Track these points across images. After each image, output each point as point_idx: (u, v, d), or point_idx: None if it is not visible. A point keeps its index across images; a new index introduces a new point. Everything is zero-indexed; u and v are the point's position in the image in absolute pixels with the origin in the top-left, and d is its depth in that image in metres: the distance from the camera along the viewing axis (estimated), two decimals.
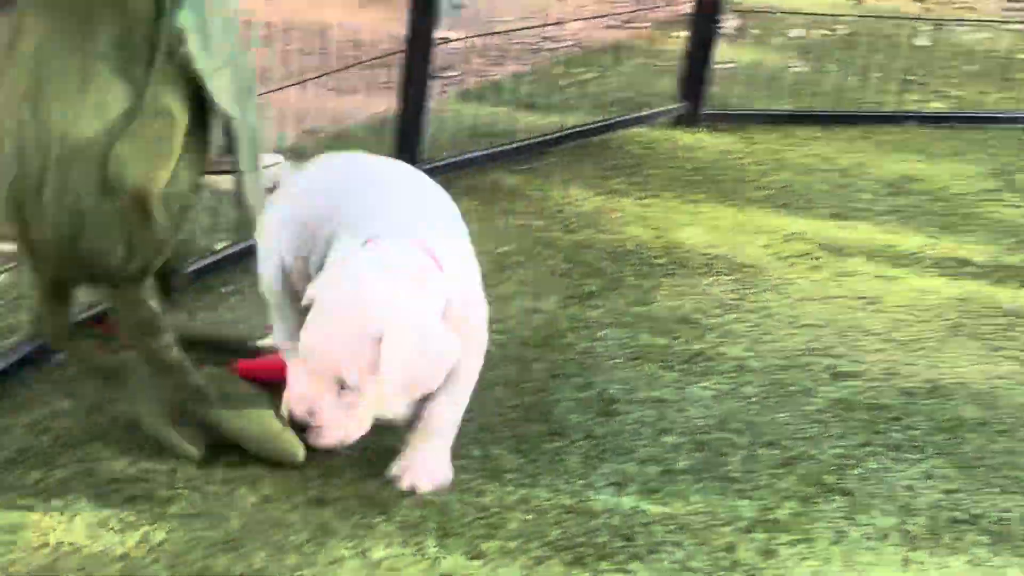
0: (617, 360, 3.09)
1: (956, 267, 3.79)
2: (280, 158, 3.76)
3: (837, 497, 2.66)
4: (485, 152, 4.06)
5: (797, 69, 5.31)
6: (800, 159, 4.58)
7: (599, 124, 4.51)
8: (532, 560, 2.37)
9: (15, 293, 3.03)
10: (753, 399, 2.98)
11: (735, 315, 3.36)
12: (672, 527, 2.50)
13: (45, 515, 2.36)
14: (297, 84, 3.36)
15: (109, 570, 2.23)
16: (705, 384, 3.02)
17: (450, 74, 4.87)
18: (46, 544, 2.28)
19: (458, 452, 2.63)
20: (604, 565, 2.38)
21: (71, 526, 2.34)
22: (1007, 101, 5.31)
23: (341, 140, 3.98)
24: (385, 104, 4.18)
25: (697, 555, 2.43)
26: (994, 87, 5.44)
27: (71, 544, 2.29)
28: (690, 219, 3.91)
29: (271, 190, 3.66)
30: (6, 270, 3.07)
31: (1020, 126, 5.06)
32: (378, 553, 2.35)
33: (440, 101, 4.34)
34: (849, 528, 2.56)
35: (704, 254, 3.70)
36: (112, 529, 2.33)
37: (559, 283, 3.45)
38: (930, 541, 2.56)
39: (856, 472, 2.75)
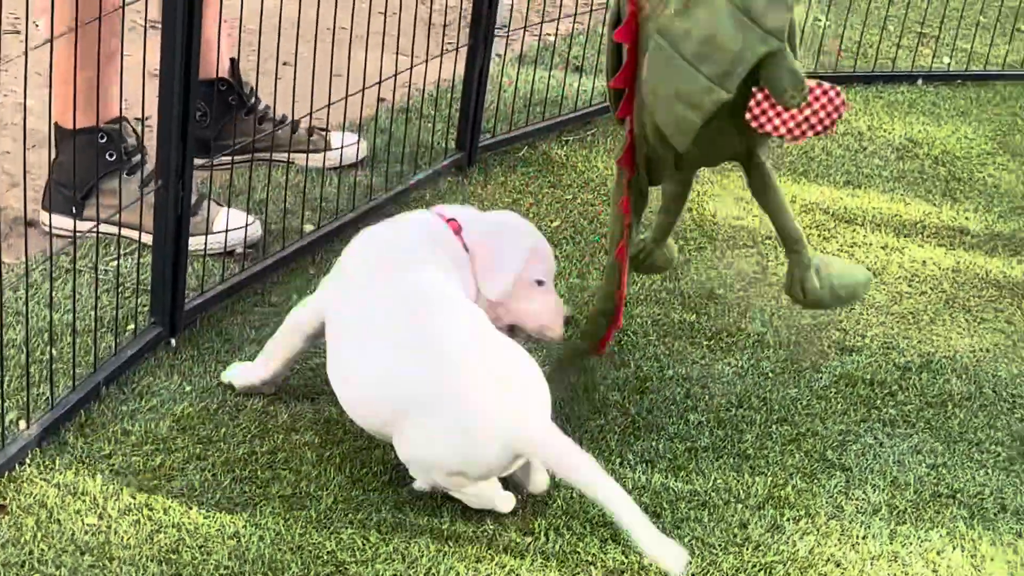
0: (651, 337, 3.23)
1: (954, 236, 3.89)
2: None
3: (837, 472, 2.82)
4: (537, 126, 4.12)
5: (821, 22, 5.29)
6: None
7: None
8: (575, 536, 2.55)
9: (133, 279, 3.13)
10: (769, 375, 3.13)
11: (755, 289, 3.49)
12: (694, 503, 2.68)
13: (167, 497, 2.53)
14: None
15: (226, 546, 2.42)
16: (728, 360, 3.17)
17: (503, 32, 4.85)
18: (171, 524, 2.45)
19: None
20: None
21: (189, 508, 2.50)
22: (1014, 54, 5.31)
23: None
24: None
25: (715, 531, 2.61)
26: (1003, 39, 5.42)
27: (191, 524, 2.46)
28: (719, 190, 4.00)
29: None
30: (130, 252, 3.21)
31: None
32: (447, 527, 2.55)
33: (496, 63, 4.17)
34: (845, 503, 2.73)
35: (731, 227, 3.79)
36: (224, 509, 2.51)
37: (602, 259, 3.56)
38: (914, 515, 2.72)
39: (855, 448, 2.91)
